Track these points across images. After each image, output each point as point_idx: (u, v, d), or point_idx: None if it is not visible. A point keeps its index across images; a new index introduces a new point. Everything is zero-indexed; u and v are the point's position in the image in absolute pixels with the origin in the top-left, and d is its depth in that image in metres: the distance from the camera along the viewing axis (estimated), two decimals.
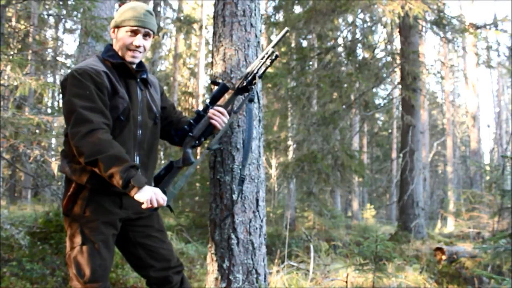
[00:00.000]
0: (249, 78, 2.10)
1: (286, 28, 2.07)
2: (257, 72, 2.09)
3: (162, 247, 2.03)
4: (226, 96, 2.12)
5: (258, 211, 2.49)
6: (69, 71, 1.89)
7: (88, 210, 1.81)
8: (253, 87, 2.12)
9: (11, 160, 6.43)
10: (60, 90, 1.88)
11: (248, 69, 2.12)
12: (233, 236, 2.42)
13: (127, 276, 4.08)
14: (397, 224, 9.02)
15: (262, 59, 2.07)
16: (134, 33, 1.92)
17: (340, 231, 9.57)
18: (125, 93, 1.89)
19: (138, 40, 1.92)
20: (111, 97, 1.85)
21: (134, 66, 1.99)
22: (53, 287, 3.67)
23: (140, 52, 1.95)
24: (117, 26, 1.94)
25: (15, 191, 15.99)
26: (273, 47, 2.04)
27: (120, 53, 1.94)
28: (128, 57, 1.94)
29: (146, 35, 1.95)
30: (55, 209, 4.97)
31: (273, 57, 2.08)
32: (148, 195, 1.69)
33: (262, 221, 2.52)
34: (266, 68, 2.11)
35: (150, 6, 15.28)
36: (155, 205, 1.70)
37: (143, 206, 1.70)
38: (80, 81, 1.78)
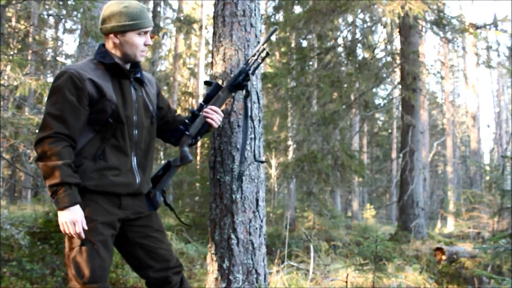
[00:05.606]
0: (242, 76, 2.14)
1: (275, 27, 2.17)
2: (249, 69, 2.15)
3: (161, 247, 2.02)
4: (221, 94, 2.15)
5: (258, 211, 2.49)
6: (62, 69, 1.88)
7: (87, 211, 1.81)
8: (247, 84, 2.16)
9: (11, 160, 6.43)
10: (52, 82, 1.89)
11: (240, 67, 2.18)
12: (233, 236, 2.42)
13: (127, 276, 4.08)
14: (397, 224, 9.01)
15: (253, 56, 2.14)
16: (144, 33, 1.94)
17: (340, 231, 9.57)
18: (113, 95, 1.87)
19: (149, 39, 1.96)
20: (97, 102, 1.83)
21: (128, 66, 1.98)
22: (53, 287, 3.67)
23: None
24: (123, 31, 1.90)
25: (15, 191, 15.98)
26: (263, 44, 2.11)
27: (131, 57, 1.94)
28: (141, 57, 1.96)
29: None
30: (55, 209, 4.95)
31: (264, 54, 2.14)
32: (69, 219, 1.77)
33: (262, 221, 2.52)
34: (258, 65, 2.19)
35: (150, 6, 15.29)
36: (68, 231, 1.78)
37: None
38: (61, 88, 1.80)
